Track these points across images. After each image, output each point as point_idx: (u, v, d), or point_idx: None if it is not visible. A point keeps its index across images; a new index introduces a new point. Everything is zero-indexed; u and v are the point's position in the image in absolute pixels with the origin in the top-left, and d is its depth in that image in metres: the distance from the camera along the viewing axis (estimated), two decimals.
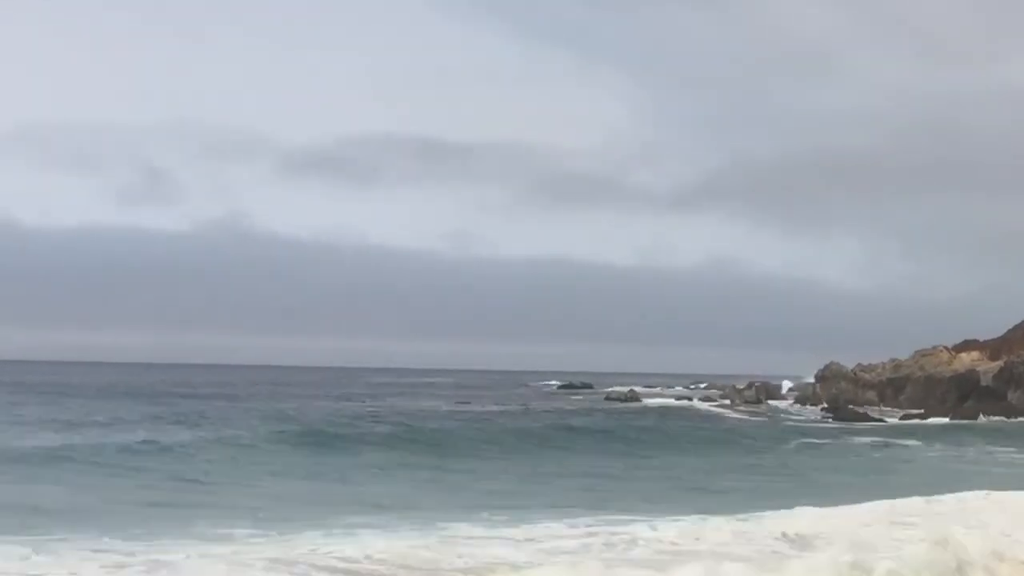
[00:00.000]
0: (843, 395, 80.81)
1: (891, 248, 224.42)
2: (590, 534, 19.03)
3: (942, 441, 50.63)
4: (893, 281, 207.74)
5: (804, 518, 20.50)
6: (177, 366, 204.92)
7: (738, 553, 16.37)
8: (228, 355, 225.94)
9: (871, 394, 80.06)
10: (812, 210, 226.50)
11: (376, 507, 23.97)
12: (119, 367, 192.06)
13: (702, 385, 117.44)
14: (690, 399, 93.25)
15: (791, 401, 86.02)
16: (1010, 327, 79.90)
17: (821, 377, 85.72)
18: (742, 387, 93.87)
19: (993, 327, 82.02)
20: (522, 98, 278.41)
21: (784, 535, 18.35)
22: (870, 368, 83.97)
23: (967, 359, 77.63)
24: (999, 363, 73.69)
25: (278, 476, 31.58)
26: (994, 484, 28.40)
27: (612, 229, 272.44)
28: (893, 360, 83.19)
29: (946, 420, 66.24)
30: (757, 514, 20.92)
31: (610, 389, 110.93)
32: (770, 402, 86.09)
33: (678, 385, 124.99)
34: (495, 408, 71.30)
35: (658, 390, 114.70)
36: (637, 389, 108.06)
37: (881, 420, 66.88)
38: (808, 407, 79.08)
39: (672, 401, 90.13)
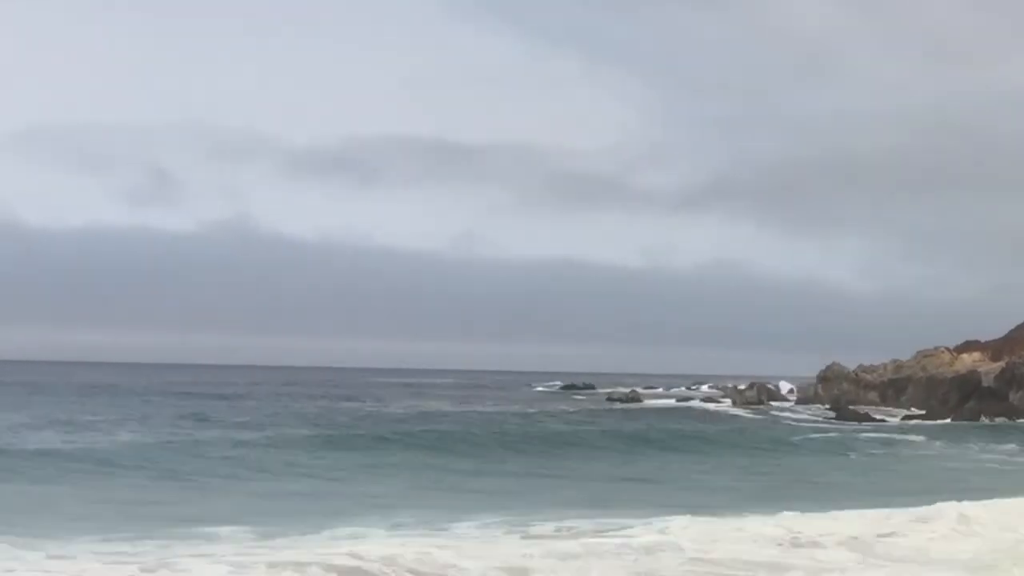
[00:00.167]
0: (845, 396, 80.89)
1: (894, 249, 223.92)
2: (601, 535, 19.13)
3: (947, 441, 50.70)
4: (895, 282, 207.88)
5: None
6: (182, 366, 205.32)
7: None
8: (234, 355, 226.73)
9: (873, 395, 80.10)
10: (816, 211, 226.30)
11: (394, 508, 23.84)
12: (125, 367, 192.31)
13: (704, 387, 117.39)
14: (691, 400, 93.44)
15: (793, 402, 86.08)
16: (1012, 328, 79.95)
17: (823, 378, 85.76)
18: (743, 388, 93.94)
19: (995, 328, 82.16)
20: (529, 99, 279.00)
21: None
22: (871, 369, 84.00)
23: (969, 360, 77.64)
24: (1000, 364, 73.68)
25: (303, 476, 31.60)
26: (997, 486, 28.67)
27: (618, 230, 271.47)
28: (895, 361, 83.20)
29: (948, 421, 66.30)
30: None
31: (611, 390, 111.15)
32: (772, 403, 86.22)
33: (680, 386, 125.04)
34: (506, 409, 71.22)
35: (659, 390, 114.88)
36: (639, 390, 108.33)
37: (883, 420, 66.96)
38: (811, 407, 79.16)
39: (672, 402, 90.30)
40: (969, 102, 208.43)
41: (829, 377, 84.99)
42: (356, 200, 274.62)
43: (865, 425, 63.01)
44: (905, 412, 72.20)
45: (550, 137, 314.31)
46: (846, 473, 37.04)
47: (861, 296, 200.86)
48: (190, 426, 48.01)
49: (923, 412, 70.40)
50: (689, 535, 18.85)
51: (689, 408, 79.87)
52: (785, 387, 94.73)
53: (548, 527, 20.40)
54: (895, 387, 79.56)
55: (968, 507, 21.56)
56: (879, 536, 19.12)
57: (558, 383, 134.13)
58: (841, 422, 65.47)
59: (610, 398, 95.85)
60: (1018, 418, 66.31)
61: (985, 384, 71.95)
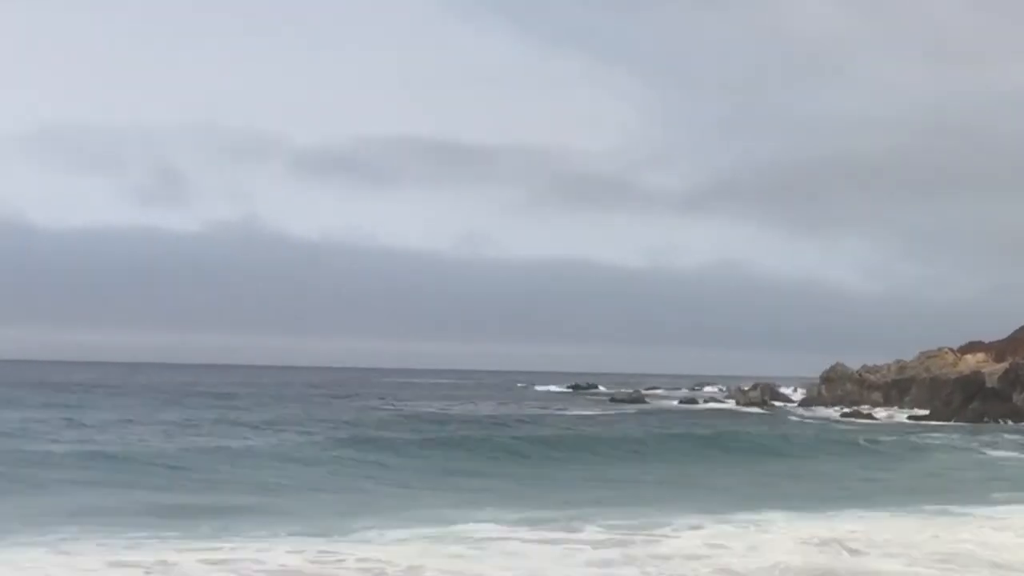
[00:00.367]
0: (848, 396, 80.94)
1: (897, 249, 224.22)
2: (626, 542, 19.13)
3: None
4: (899, 283, 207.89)
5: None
6: (189, 366, 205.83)
7: None
8: (240, 355, 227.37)
9: (876, 395, 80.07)
10: (819, 211, 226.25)
11: (420, 509, 23.72)
12: (132, 367, 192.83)
13: (707, 388, 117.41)
14: (695, 401, 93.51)
15: (796, 403, 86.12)
16: (1015, 329, 79.87)
17: (826, 378, 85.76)
18: (747, 388, 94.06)
19: (998, 329, 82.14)
20: (533, 100, 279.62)
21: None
22: (875, 369, 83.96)
23: (972, 361, 77.57)
24: (1004, 365, 73.55)
25: (332, 478, 31.44)
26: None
27: (621, 230, 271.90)
28: (898, 362, 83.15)
29: (951, 422, 66.24)
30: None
31: (614, 390, 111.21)
32: (775, 403, 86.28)
33: (682, 387, 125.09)
34: (515, 411, 71.02)
35: (661, 391, 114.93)
36: (642, 391, 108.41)
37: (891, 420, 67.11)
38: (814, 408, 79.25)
39: (674, 403, 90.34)
40: (970, 103, 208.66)
41: (833, 378, 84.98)
42: (361, 200, 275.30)
43: (868, 423, 63.04)
44: (908, 412, 72.20)
45: (554, 138, 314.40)
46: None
47: (864, 296, 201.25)
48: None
49: (926, 412, 70.41)
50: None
51: (720, 409, 79.97)
52: (787, 388, 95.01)
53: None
54: (898, 388, 79.50)
55: None
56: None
57: (553, 386, 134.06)
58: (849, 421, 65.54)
59: (614, 399, 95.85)
60: (1021, 420, 66.17)
61: (989, 385, 71.78)
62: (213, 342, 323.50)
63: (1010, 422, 65.77)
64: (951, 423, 65.80)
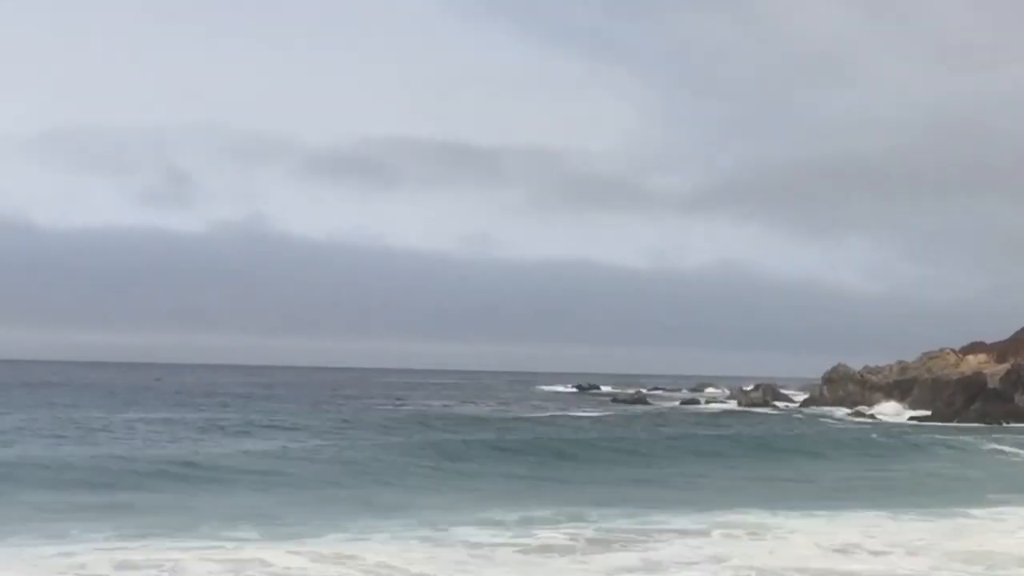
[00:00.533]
0: (850, 397, 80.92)
1: (899, 250, 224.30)
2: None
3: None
4: (901, 284, 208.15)
5: None
6: (196, 367, 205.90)
7: None
8: (244, 356, 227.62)
9: (878, 396, 79.98)
10: (822, 212, 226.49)
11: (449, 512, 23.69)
12: (139, 367, 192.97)
13: (708, 389, 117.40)
14: (697, 401, 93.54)
15: (798, 403, 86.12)
16: (1017, 329, 79.81)
17: (828, 379, 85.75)
18: (749, 389, 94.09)
19: (999, 329, 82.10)
20: (538, 102, 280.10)
21: None
22: (877, 370, 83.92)
23: (974, 361, 77.53)
24: (1006, 366, 73.54)
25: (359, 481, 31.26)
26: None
27: (625, 231, 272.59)
28: (900, 362, 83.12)
29: (953, 423, 66.23)
30: None
31: (617, 391, 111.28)
32: (777, 404, 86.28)
33: (684, 387, 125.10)
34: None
35: (662, 392, 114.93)
36: (643, 391, 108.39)
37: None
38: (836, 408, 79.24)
39: (675, 404, 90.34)
40: (973, 103, 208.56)
41: (834, 378, 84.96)
42: (367, 202, 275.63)
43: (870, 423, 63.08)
44: (911, 413, 72.18)
45: (558, 139, 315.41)
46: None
47: (867, 298, 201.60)
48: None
49: (928, 413, 70.41)
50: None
51: (723, 410, 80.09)
52: (788, 391, 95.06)
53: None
54: (900, 388, 79.43)
55: None
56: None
57: (559, 386, 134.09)
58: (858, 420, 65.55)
59: (616, 399, 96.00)
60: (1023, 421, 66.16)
61: (990, 386, 71.76)
62: (219, 342, 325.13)
63: (1012, 423, 65.73)
64: (953, 424, 65.82)
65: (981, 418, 67.02)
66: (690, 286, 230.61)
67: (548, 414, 69.07)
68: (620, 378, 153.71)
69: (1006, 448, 46.61)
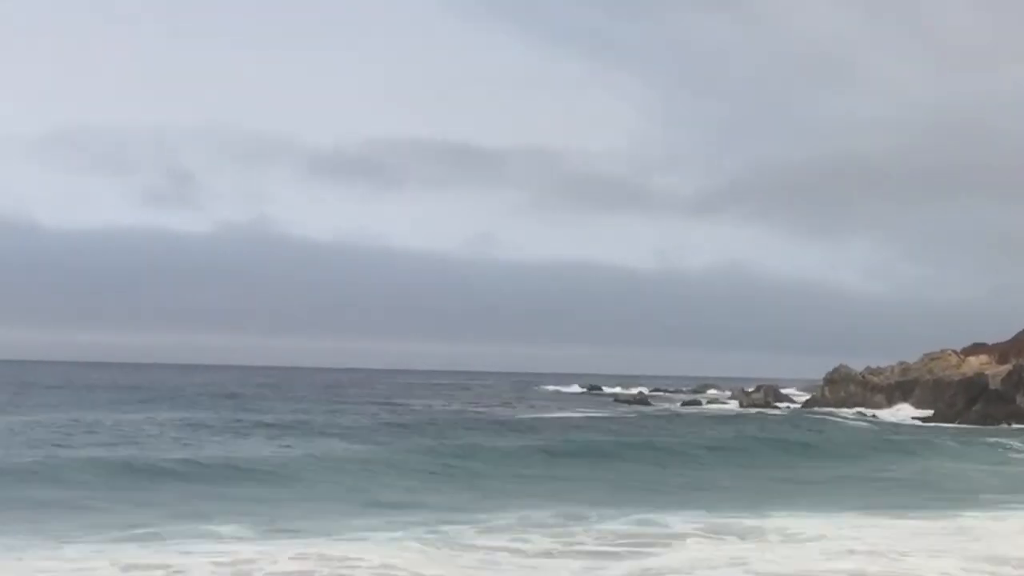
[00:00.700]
0: (852, 398, 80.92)
1: (900, 251, 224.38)
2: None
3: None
4: (902, 284, 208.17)
5: None
6: (202, 367, 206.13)
7: None
8: (248, 356, 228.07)
9: (879, 397, 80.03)
10: (824, 213, 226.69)
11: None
12: (146, 368, 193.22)
13: (710, 391, 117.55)
14: (698, 403, 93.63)
15: (800, 404, 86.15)
16: (1019, 330, 79.75)
17: (829, 380, 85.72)
18: (750, 390, 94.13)
19: (1001, 330, 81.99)
20: (542, 103, 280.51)
21: None
22: (878, 371, 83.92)
23: (975, 362, 77.48)
24: (1007, 367, 73.50)
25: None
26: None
27: (631, 232, 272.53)
28: (901, 363, 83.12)
29: (955, 424, 66.25)
30: None
31: (619, 391, 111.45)
32: (778, 405, 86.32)
33: (685, 388, 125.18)
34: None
35: (661, 393, 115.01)
36: (644, 392, 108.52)
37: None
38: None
39: (677, 405, 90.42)
40: (975, 104, 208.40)
41: (836, 379, 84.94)
42: (371, 202, 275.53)
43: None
44: (913, 414, 72.21)
45: (562, 140, 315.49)
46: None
47: (869, 299, 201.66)
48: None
49: (930, 414, 70.42)
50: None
51: (725, 411, 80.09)
52: (790, 392, 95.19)
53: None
54: (902, 389, 79.45)
55: None
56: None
57: (561, 386, 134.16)
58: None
59: (617, 399, 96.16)
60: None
61: (992, 387, 71.76)
62: (221, 343, 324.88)
63: (1014, 424, 65.72)
64: (955, 425, 65.83)
65: (983, 419, 66.98)
66: (691, 286, 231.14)
67: (550, 415, 69.09)
68: (622, 379, 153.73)
69: (1010, 453, 46.55)
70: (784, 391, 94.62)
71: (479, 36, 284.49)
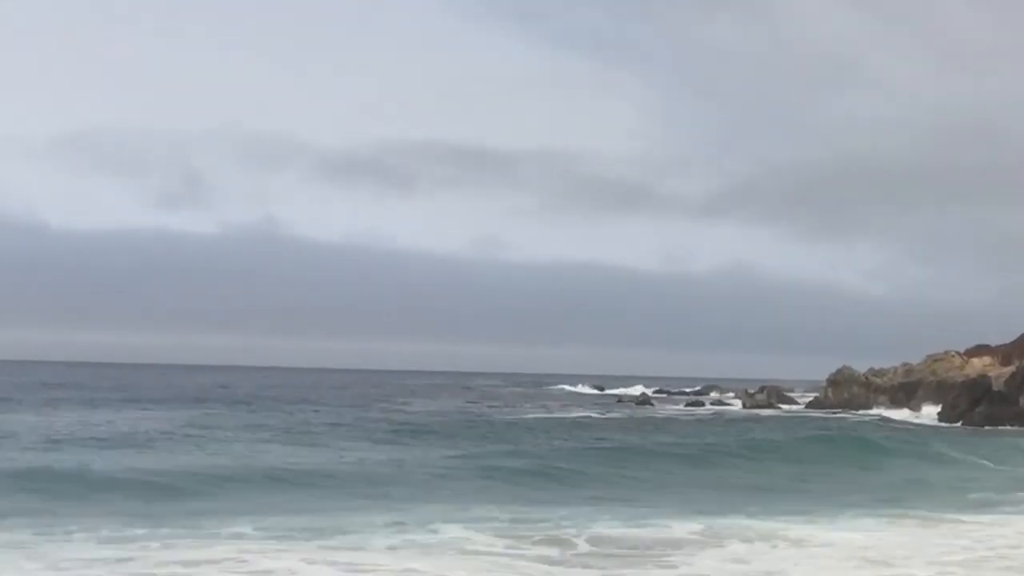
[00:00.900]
0: (855, 399, 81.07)
1: (904, 253, 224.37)
2: None
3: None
4: (906, 286, 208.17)
5: None
6: (209, 368, 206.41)
7: None
8: (258, 357, 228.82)
9: (883, 398, 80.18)
10: (828, 215, 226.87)
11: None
12: (151, 368, 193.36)
13: (712, 393, 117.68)
14: (701, 403, 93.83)
15: (803, 405, 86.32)
16: (1022, 332, 79.87)
17: (832, 381, 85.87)
18: (754, 391, 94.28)
19: (1005, 332, 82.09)
20: (551, 105, 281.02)
21: None
22: (882, 373, 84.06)
23: (979, 364, 77.57)
24: (1011, 368, 73.55)
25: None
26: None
27: (638, 234, 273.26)
28: (905, 365, 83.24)
29: (957, 425, 66.36)
30: None
31: (621, 392, 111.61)
32: (781, 406, 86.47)
33: (689, 389, 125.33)
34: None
35: (665, 395, 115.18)
36: (648, 393, 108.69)
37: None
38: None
39: (680, 407, 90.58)
40: (981, 106, 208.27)
41: (839, 380, 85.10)
42: (380, 204, 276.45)
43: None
44: (916, 416, 72.33)
45: (572, 142, 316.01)
46: None
47: (872, 300, 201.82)
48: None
49: (934, 415, 70.53)
50: None
51: (727, 412, 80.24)
52: (793, 394, 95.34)
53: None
54: (905, 391, 79.58)
55: None
56: None
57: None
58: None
59: (620, 400, 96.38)
60: None
61: (995, 388, 71.83)
62: (232, 343, 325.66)
63: (1018, 425, 65.79)
64: (958, 426, 65.95)
65: (986, 421, 67.07)
66: (695, 288, 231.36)
67: (554, 416, 69.29)
68: (623, 379, 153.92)
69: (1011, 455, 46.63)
70: (788, 392, 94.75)
71: (488, 38, 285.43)
